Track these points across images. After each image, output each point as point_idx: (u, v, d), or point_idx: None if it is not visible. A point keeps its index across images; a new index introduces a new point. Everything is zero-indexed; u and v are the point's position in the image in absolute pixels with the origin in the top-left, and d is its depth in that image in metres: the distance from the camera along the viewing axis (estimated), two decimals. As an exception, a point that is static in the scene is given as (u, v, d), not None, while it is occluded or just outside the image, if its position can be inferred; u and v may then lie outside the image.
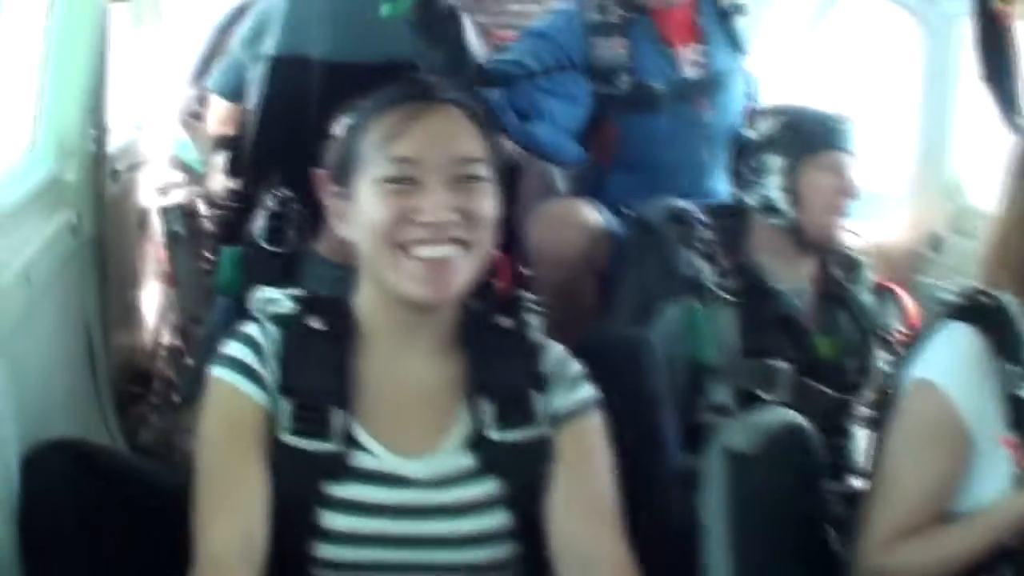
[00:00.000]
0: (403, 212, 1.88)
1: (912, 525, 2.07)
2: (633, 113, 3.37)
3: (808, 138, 2.92)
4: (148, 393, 3.58)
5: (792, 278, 2.94)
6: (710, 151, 3.31)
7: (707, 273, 2.88)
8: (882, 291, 3.05)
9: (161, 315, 3.83)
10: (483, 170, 1.93)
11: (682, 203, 3.05)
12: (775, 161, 2.92)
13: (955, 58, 3.63)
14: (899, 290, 3.08)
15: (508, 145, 3.43)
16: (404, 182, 1.89)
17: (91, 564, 1.97)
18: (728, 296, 2.84)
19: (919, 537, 2.06)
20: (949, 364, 2.09)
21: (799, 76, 4.22)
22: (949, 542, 2.05)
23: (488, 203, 1.92)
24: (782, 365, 2.83)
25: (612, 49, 3.36)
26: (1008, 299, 2.12)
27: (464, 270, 1.91)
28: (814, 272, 2.98)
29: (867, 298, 3.00)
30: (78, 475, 1.98)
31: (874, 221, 3.48)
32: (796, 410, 2.57)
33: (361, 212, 1.92)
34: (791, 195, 2.90)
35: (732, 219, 3.03)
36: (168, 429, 3.29)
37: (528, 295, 2.11)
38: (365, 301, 1.99)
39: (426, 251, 1.88)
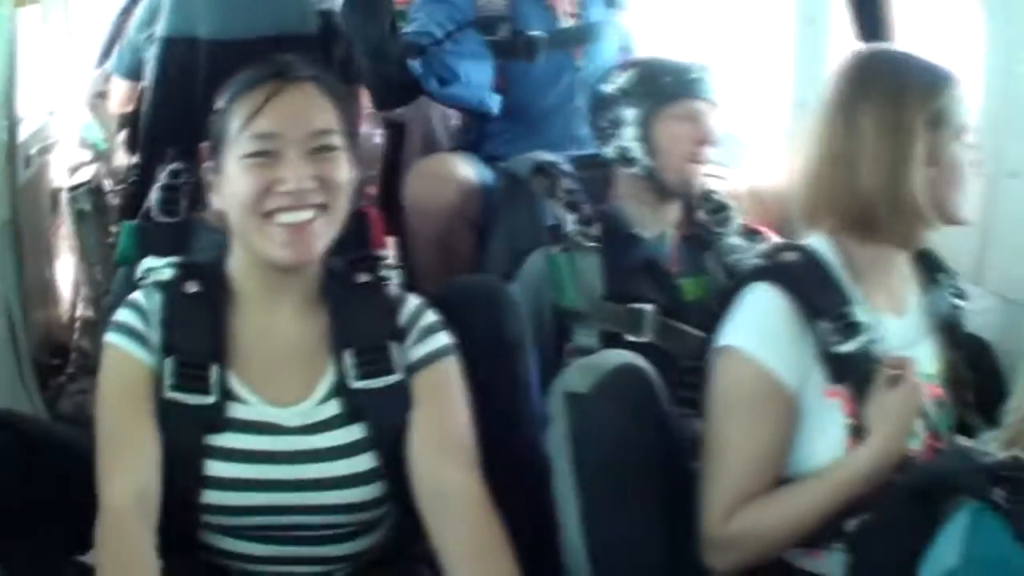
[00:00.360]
0: (266, 183, 2.00)
1: (747, 492, 2.04)
2: (514, 61, 3.51)
3: (661, 88, 2.93)
4: (66, 364, 3.70)
5: (655, 224, 2.98)
6: (585, 99, 3.33)
7: (569, 222, 2.92)
8: (752, 233, 3.04)
9: (76, 289, 3.93)
10: (337, 140, 2.05)
11: (548, 156, 3.10)
12: (630, 113, 2.94)
13: (827, 4, 3.74)
14: (770, 232, 3.05)
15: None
16: (266, 156, 2.01)
17: (24, 529, 2.04)
18: (589, 243, 2.88)
19: (757, 503, 2.04)
20: (755, 329, 2.08)
21: (674, 27, 4.33)
22: (791, 503, 2.03)
23: (342, 170, 2.05)
24: (646, 307, 2.85)
25: (494, 0, 3.51)
26: (819, 242, 2.12)
27: (323, 232, 2.03)
28: (678, 217, 3.00)
29: (735, 240, 2.99)
30: (9, 444, 2.05)
31: (749, 166, 3.57)
32: (664, 351, 2.68)
33: (229, 184, 2.04)
34: (647, 145, 2.92)
35: (597, 169, 3.05)
36: (85, 397, 3.39)
37: (386, 252, 2.24)
38: (237, 265, 2.11)
39: (288, 217, 2.00)
